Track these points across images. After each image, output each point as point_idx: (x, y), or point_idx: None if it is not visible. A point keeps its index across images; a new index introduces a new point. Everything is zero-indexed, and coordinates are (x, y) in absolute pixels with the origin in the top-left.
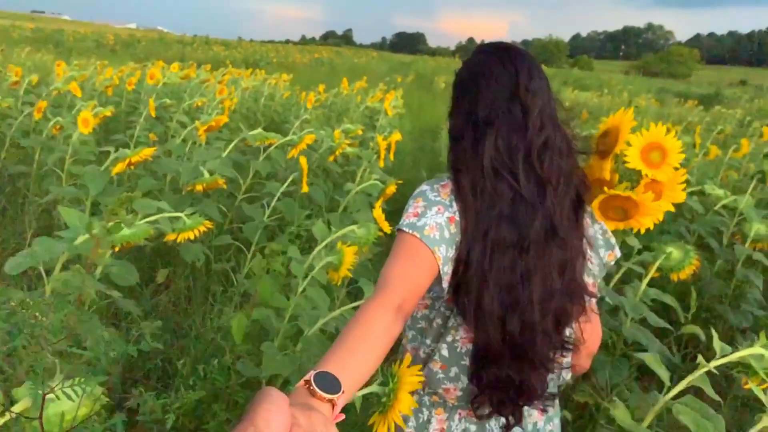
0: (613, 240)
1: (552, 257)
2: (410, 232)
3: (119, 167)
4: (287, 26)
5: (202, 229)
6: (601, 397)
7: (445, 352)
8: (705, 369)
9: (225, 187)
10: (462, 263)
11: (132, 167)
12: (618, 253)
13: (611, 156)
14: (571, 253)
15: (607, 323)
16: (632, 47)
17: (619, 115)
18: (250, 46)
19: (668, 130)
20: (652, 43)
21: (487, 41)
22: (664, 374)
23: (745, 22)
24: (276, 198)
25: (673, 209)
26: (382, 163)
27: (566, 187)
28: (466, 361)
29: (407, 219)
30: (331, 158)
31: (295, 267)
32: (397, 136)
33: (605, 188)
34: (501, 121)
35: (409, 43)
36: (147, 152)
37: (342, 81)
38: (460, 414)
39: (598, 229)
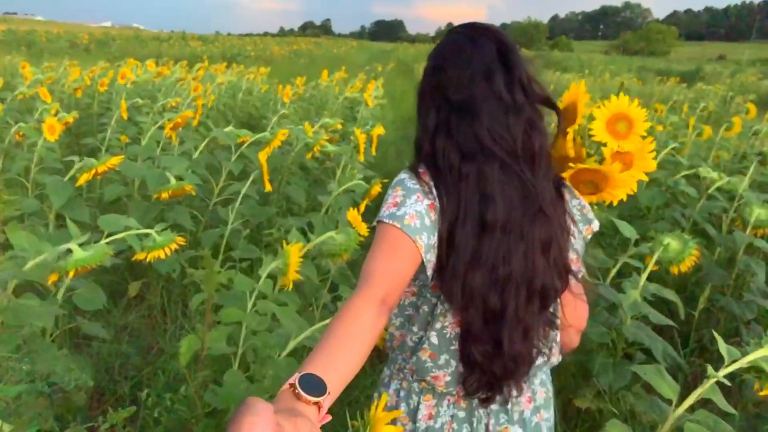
0: (590, 215)
1: (535, 235)
2: (390, 222)
3: (84, 178)
4: (265, 18)
5: (174, 246)
6: (604, 402)
7: (434, 340)
8: (714, 379)
9: (194, 193)
10: (445, 247)
11: (98, 176)
12: (596, 227)
13: (572, 130)
14: (555, 230)
15: (606, 321)
16: (611, 27)
17: (574, 89)
18: (228, 40)
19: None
20: (630, 21)
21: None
22: (669, 391)
23: None
24: (239, 201)
25: (646, 179)
26: (362, 158)
27: (548, 164)
28: (456, 346)
29: (387, 210)
30: (309, 156)
31: (240, 280)
32: (379, 129)
33: (571, 164)
34: (483, 103)
35: (388, 31)
36: (114, 161)
37: (322, 73)
38: (448, 400)
39: (576, 204)
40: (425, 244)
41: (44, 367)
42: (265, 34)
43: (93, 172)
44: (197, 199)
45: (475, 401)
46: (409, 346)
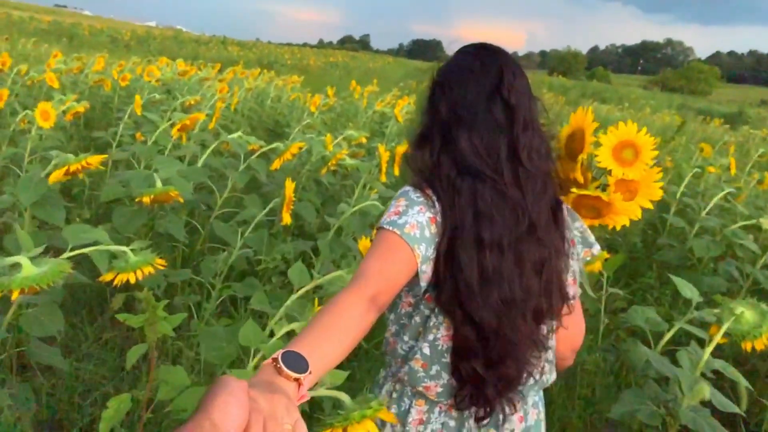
0: (591, 238)
1: (529, 255)
2: (390, 229)
3: (56, 176)
4: (305, 30)
5: (149, 270)
6: None
7: (426, 351)
8: None
9: (181, 200)
10: (444, 263)
11: (72, 176)
12: (596, 251)
13: (580, 157)
14: (550, 252)
15: (656, 397)
16: (650, 62)
17: (581, 115)
18: (266, 48)
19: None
20: (670, 58)
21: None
22: None
23: (766, 41)
24: (251, 227)
25: (651, 206)
26: (383, 178)
27: (544, 187)
28: (447, 359)
29: (388, 217)
30: (324, 171)
31: (248, 332)
32: (404, 147)
33: (573, 189)
34: (481, 120)
35: (425, 50)
36: (92, 160)
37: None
38: (440, 408)
39: (578, 226)
40: (422, 254)
41: None
42: (304, 44)
43: (65, 169)
44: (198, 209)
45: (467, 412)
46: (400, 353)
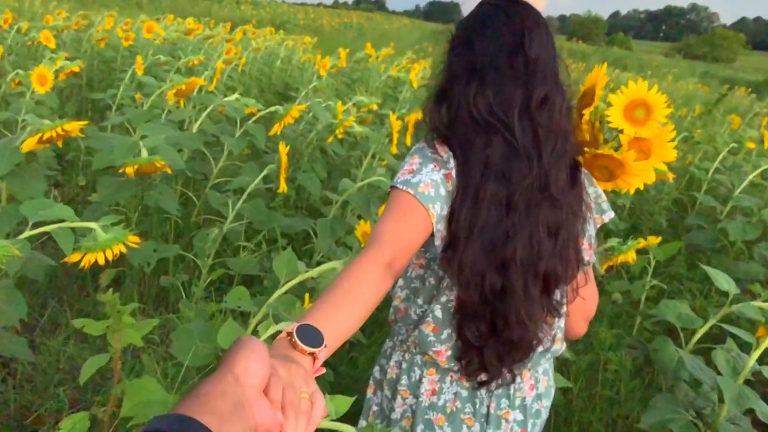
0: (605, 205)
1: (541, 216)
2: (404, 188)
3: (29, 143)
4: None
5: (121, 248)
6: None
7: (438, 313)
8: None
9: (169, 171)
10: (451, 219)
11: (49, 143)
12: (607, 218)
13: (588, 112)
14: (566, 215)
15: (691, 403)
16: (673, 28)
17: (595, 73)
18: (280, 7)
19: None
20: (695, 24)
21: None
22: None
23: None
24: (242, 199)
25: (665, 168)
26: (394, 149)
27: (563, 146)
28: (452, 317)
29: (402, 176)
30: (330, 139)
31: (228, 331)
32: (417, 115)
33: (586, 148)
34: (498, 73)
35: (443, 12)
36: (69, 127)
37: (366, 46)
38: (451, 377)
39: (592, 192)
40: (437, 213)
41: None
42: (319, 4)
43: (38, 137)
44: (192, 178)
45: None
46: (413, 318)
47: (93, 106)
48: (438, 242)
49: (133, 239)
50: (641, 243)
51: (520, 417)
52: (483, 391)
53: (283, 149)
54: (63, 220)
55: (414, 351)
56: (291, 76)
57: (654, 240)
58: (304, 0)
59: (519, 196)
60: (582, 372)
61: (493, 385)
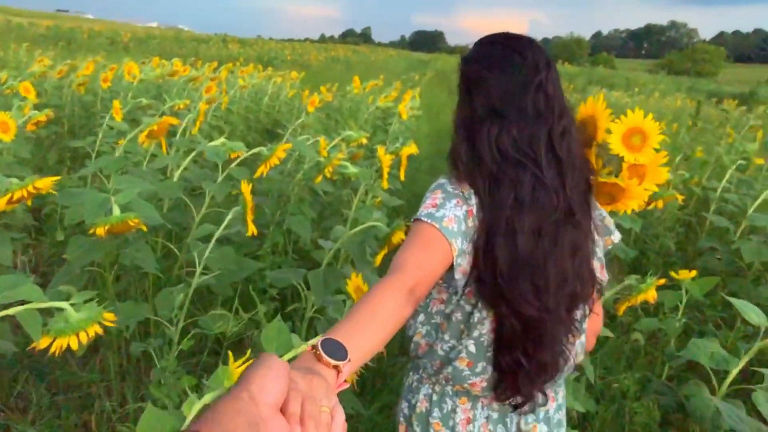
0: (612, 226)
1: (566, 241)
2: (429, 221)
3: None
4: (307, 25)
5: (94, 331)
6: None
7: (472, 348)
8: None
9: (144, 228)
10: (483, 254)
11: (19, 203)
12: (616, 238)
13: (594, 144)
14: (585, 236)
15: None
16: (655, 45)
17: (591, 104)
18: (267, 45)
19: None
20: (675, 41)
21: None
22: None
23: None
24: (209, 249)
25: (657, 190)
26: (385, 185)
27: (581, 173)
28: (491, 353)
29: (426, 210)
30: (318, 179)
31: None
32: (411, 149)
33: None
34: (520, 111)
35: (428, 41)
36: (43, 184)
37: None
38: (482, 402)
39: (598, 214)
40: (459, 248)
41: None
42: (306, 39)
43: (7, 198)
44: (177, 227)
45: (507, 403)
46: (440, 355)
47: (73, 155)
48: (459, 276)
49: (109, 317)
50: (658, 282)
51: (545, 429)
52: (512, 413)
53: (246, 188)
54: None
55: (444, 383)
56: (279, 112)
57: (687, 274)
58: (291, 36)
59: (548, 224)
60: (607, 425)
61: (527, 406)
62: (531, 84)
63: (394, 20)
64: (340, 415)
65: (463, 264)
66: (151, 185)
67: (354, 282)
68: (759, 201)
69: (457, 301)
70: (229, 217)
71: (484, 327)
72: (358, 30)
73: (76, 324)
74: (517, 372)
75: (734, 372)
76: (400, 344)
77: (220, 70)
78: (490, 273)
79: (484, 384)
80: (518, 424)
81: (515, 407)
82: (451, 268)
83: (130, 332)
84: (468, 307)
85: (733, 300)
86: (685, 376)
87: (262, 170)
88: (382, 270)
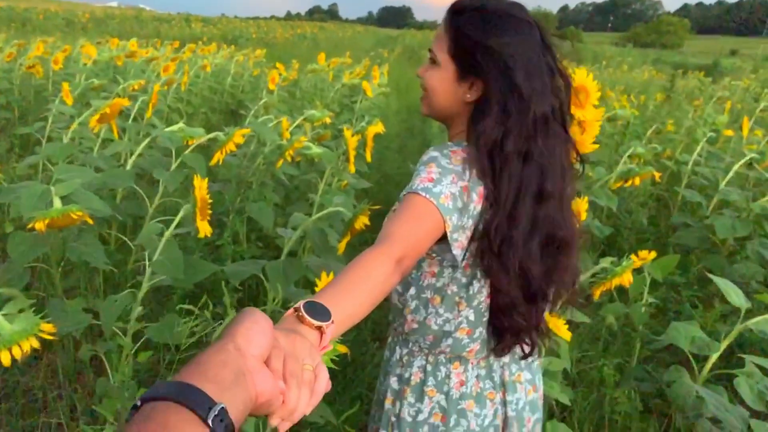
0: None
1: (567, 193)
2: (425, 195)
3: None
4: (272, 2)
5: (29, 346)
6: None
7: (471, 317)
8: None
9: (90, 221)
10: (493, 230)
11: None
12: None
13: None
14: (572, 187)
15: None
16: (620, 18)
17: (582, 77)
18: (231, 23)
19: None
20: (640, 14)
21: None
22: None
23: None
24: (158, 250)
25: (594, 147)
26: (352, 168)
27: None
28: (486, 317)
29: (421, 183)
30: (279, 163)
31: None
32: (377, 127)
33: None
34: (542, 86)
35: (396, 17)
36: None
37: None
38: (471, 363)
39: None
40: (453, 224)
41: None
42: (272, 17)
43: None
44: (130, 220)
45: (491, 357)
46: (433, 329)
47: (23, 142)
48: (457, 252)
49: (47, 329)
50: (636, 262)
51: (528, 376)
52: (495, 364)
53: (199, 183)
54: None
55: (444, 354)
56: (243, 92)
57: (647, 255)
58: (257, 14)
59: (553, 188)
60: (586, 416)
61: (518, 354)
62: (547, 61)
63: None
64: (324, 375)
65: (461, 239)
66: (97, 175)
67: (324, 282)
68: (730, 175)
69: (451, 273)
70: (180, 215)
71: (482, 295)
72: (325, 7)
73: (9, 338)
74: (520, 329)
75: (714, 357)
76: (372, 330)
77: (183, 51)
78: (506, 246)
79: (478, 347)
80: (503, 375)
81: (523, 358)
82: (441, 242)
83: (80, 333)
84: (464, 279)
85: (714, 278)
86: (661, 357)
87: (218, 157)
88: (348, 258)
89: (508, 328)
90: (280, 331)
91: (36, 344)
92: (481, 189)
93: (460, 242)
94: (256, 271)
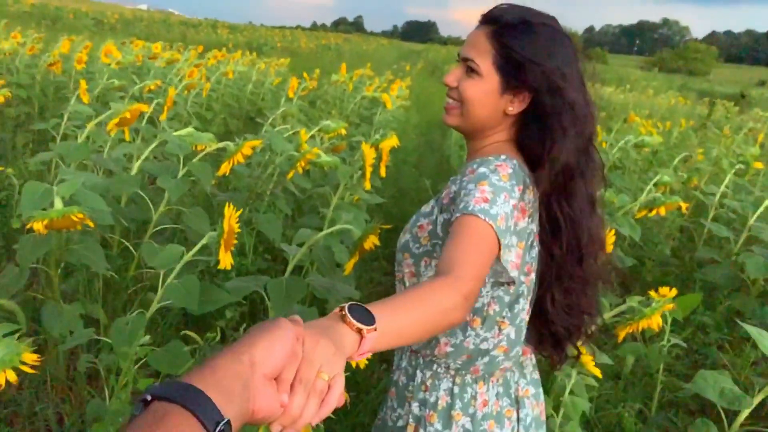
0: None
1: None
2: (485, 219)
3: None
4: (299, 12)
5: (13, 376)
6: None
7: (513, 335)
8: None
9: (91, 224)
10: (558, 239)
11: None
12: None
13: None
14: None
15: None
16: (647, 42)
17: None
18: (257, 31)
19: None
20: (667, 38)
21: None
22: None
23: (762, 20)
24: (174, 272)
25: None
26: (368, 185)
27: None
28: (524, 331)
29: (478, 204)
30: (291, 174)
31: None
32: (392, 140)
33: None
34: (586, 102)
35: (420, 31)
36: None
37: (342, 67)
38: (492, 382)
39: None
40: (504, 244)
41: None
42: (297, 27)
43: None
44: (130, 228)
45: (508, 373)
46: (470, 349)
47: (39, 138)
48: (514, 273)
49: (31, 359)
50: (665, 306)
51: (533, 390)
52: (511, 380)
53: (230, 212)
54: None
55: (463, 372)
56: (264, 100)
57: (667, 293)
58: (283, 23)
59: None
60: None
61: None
62: (578, 72)
63: (386, 10)
64: (338, 386)
65: (512, 258)
66: (100, 180)
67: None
68: (761, 209)
69: (490, 293)
70: (203, 241)
71: (524, 312)
72: (351, 19)
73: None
74: (576, 331)
75: (746, 411)
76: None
77: (207, 56)
78: (572, 253)
79: (510, 365)
80: (516, 391)
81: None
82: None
83: (73, 338)
84: (507, 298)
85: (748, 328)
86: (685, 401)
87: (225, 168)
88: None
89: (563, 333)
90: (311, 329)
91: (14, 379)
92: (522, 204)
93: (513, 262)
94: (258, 288)
